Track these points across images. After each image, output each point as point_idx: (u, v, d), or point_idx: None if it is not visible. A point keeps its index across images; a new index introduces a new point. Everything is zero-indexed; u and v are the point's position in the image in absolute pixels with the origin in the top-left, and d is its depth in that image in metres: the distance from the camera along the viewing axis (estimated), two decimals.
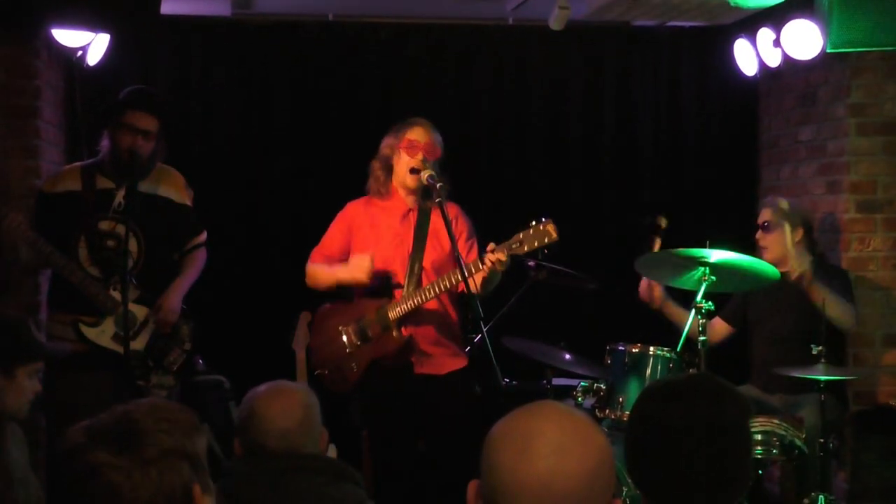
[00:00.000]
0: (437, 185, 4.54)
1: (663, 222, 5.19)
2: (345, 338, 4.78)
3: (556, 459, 1.64)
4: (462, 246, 4.76)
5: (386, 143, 4.83)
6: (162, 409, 1.79)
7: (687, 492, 2.06)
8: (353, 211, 4.91)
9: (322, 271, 4.86)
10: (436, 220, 4.70)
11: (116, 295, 4.58)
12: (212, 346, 5.50)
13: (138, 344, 4.65)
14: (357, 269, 4.67)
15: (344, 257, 4.82)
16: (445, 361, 4.67)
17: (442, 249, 4.70)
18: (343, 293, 4.89)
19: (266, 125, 6.31)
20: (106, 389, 4.55)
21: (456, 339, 4.86)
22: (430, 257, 4.73)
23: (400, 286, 4.72)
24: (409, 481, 4.78)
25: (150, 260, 4.74)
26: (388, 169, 4.80)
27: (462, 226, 4.85)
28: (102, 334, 4.63)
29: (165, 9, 5.00)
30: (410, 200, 4.83)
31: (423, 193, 4.76)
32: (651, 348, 4.90)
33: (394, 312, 4.66)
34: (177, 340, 4.81)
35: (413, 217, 4.77)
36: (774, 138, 6.50)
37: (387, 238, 4.79)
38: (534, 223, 4.43)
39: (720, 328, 5.53)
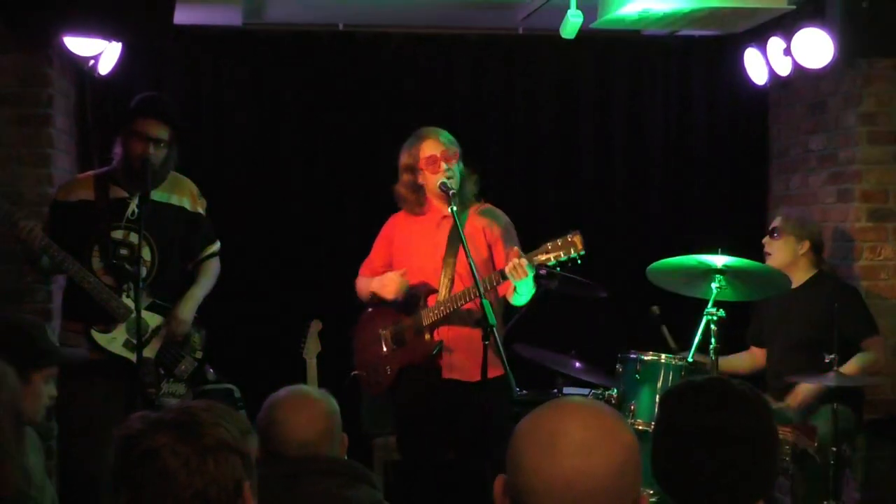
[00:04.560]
0: (450, 193, 4.57)
1: (657, 310, 5.32)
2: (383, 341, 4.87)
3: (580, 458, 1.64)
4: (498, 253, 4.77)
5: (404, 167, 4.83)
6: (218, 407, 1.84)
7: (709, 494, 2.06)
8: (394, 222, 4.99)
9: (362, 283, 5.00)
10: (469, 226, 4.76)
11: (129, 302, 4.59)
12: (222, 354, 5.50)
13: (149, 352, 4.66)
14: (384, 287, 4.81)
15: (387, 269, 4.91)
16: (476, 368, 4.66)
17: (477, 254, 4.69)
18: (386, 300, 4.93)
19: (277, 134, 6.32)
20: (118, 398, 4.56)
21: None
22: (463, 262, 4.73)
23: (435, 292, 4.77)
24: (434, 487, 4.79)
25: (163, 268, 4.74)
26: (418, 189, 4.82)
27: (496, 233, 4.84)
28: (114, 341, 4.64)
29: (177, 18, 5.00)
30: (446, 207, 4.85)
31: (459, 199, 4.78)
32: (663, 356, 4.90)
33: (426, 318, 4.72)
34: (188, 349, 4.82)
35: (447, 223, 4.78)
36: (785, 147, 6.50)
37: (423, 245, 4.84)
38: (562, 235, 4.46)
39: (759, 354, 5.57)
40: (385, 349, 4.87)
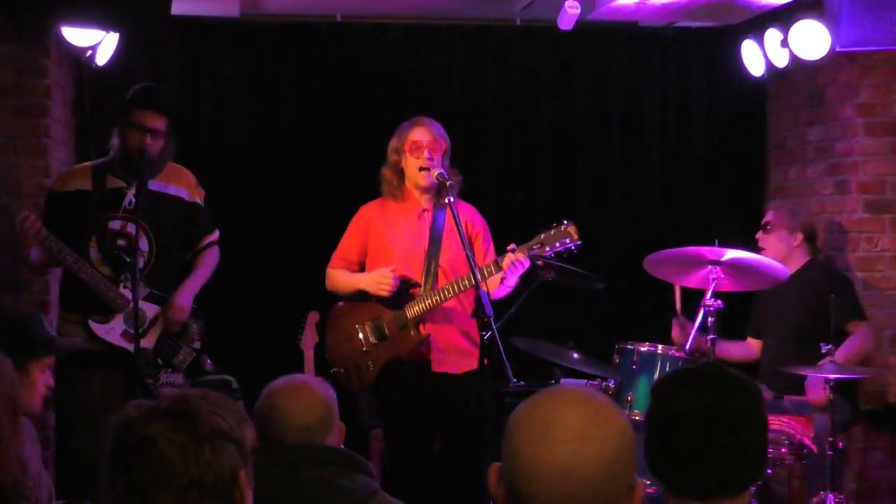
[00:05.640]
0: (447, 184, 4.57)
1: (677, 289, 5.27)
2: (361, 336, 4.80)
3: (576, 445, 1.65)
4: (479, 247, 4.78)
5: (392, 148, 4.85)
6: (214, 396, 1.84)
7: (698, 478, 2.05)
8: (369, 213, 4.93)
9: (342, 278, 4.92)
10: (451, 218, 4.71)
11: (126, 292, 4.59)
12: (220, 345, 5.51)
13: (147, 342, 4.66)
14: (379, 285, 4.73)
15: (362, 259, 4.87)
16: (464, 360, 4.66)
17: (458, 247, 4.69)
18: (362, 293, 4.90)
19: (274, 125, 6.32)
20: (115, 388, 4.57)
21: (475, 338, 4.85)
22: (445, 255, 4.75)
23: (417, 285, 4.74)
24: (423, 480, 4.78)
25: (161, 258, 4.74)
26: (399, 173, 4.82)
27: (478, 227, 4.86)
28: (112, 331, 4.63)
29: (174, 9, 5.01)
30: (425, 200, 4.85)
31: (437, 191, 4.78)
32: (660, 347, 4.91)
33: (412, 311, 4.68)
34: (186, 339, 4.82)
35: (428, 216, 4.78)
36: (782, 139, 6.50)
37: (403, 237, 4.81)
38: (555, 225, 4.45)
39: (755, 345, 5.60)
40: (364, 345, 4.81)
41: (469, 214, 4.87)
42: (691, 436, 2.06)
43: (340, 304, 4.94)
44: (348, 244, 4.95)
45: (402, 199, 4.86)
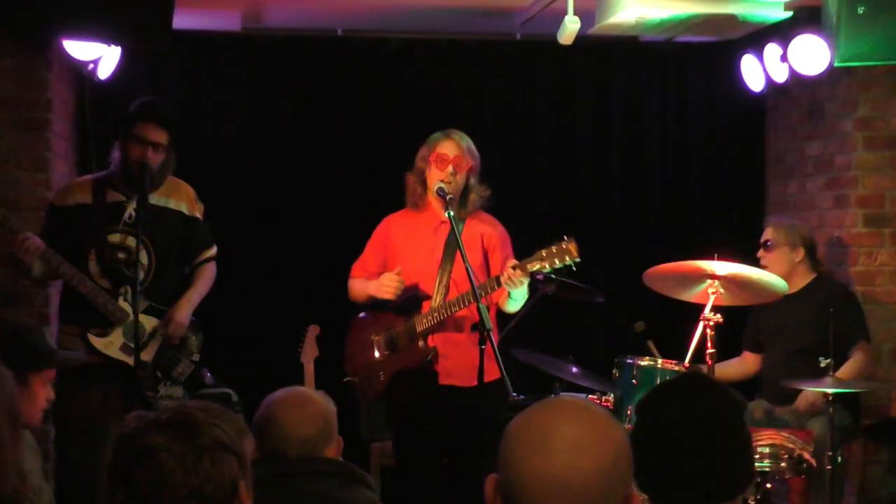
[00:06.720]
0: (448, 198, 4.57)
1: (641, 326, 5.28)
2: (375, 347, 4.84)
3: (572, 456, 1.65)
4: (495, 260, 4.76)
5: (420, 156, 4.82)
6: (214, 408, 1.85)
7: (681, 486, 2.05)
8: (390, 224, 4.96)
9: (357, 286, 4.96)
10: (466, 232, 4.73)
11: (125, 305, 4.60)
12: (220, 358, 5.51)
13: (146, 355, 4.66)
14: (382, 288, 4.75)
15: (381, 271, 4.87)
16: (470, 374, 4.64)
17: (472, 260, 4.66)
18: (380, 303, 4.92)
19: (275, 139, 6.34)
20: (115, 401, 4.57)
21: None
22: (459, 269, 4.71)
23: (430, 297, 4.75)
24: (427, 491, 4.78)
25: (160, 272, 4.75)
26: (423, 181, 4.81)
27: (495, 240, 4.84)
28: (111, 345, 4.64)
29: (176, 23, 5.02)
30: (443, 212, 4.84)
31: (459, 204, 4.76)
32: (659, 362, 4.91)
33: (420, 324, 4.70)
34: (185, 352, 4.82)
35: (446, 228, 4.77)
36: (781, 153, 6.51)
37: (420, 249, 4.82)
38: (556, 241, 4.45)
39: (751, 360, 5.59)
40: (378, 355, 4.84)
41: (486, 227, 4.86)
42: (672, 439, 2.05)
43: (362, 314, 4.98)
44: (369, 256, 4.97)
45: (422, 209, 4.86)
